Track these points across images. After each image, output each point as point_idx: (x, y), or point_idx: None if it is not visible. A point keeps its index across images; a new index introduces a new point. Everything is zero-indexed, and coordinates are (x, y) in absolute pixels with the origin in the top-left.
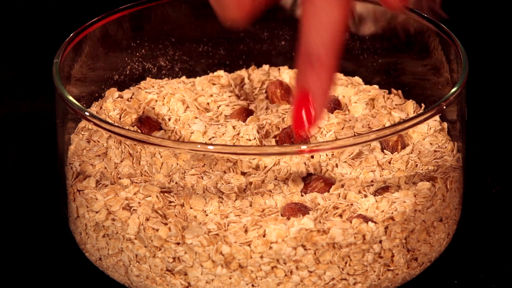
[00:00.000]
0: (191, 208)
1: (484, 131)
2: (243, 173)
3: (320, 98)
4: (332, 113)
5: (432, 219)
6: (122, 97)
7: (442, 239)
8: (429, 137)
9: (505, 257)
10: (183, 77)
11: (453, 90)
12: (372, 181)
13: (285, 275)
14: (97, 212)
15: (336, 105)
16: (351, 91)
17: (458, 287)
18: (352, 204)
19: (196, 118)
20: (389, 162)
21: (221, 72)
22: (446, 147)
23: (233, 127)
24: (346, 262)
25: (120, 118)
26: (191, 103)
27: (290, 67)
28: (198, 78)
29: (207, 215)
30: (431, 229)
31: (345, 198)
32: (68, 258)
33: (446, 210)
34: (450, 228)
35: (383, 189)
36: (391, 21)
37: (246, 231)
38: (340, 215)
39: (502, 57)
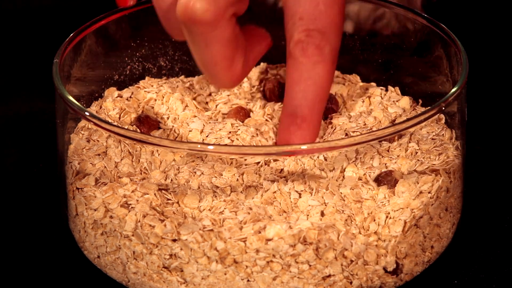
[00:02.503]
0: (186, 207)
1: (484, 131)
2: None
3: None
4: (329, 111)
5: (438, 211)
6: (121, 97)
7: (449, 230)
8: (426, 127)
9: (505, 257)
10: (182, 76)
11: (453, 90)
12: (371, 167)
13: (282, 267)
14: (95, 210)
15: (332, 104)
16: (348, 89)
17: (458, 287)
18: (361, 205)
19: (194, 116)
20: (387, 150)
21: None
22: (444, 134)
23: (232, 125)
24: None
25: (119, 118)
26: (190, 102)
27: None
28: (196, 77)
29: (201, 211)
30: (439, 220)
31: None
32: (68, 257)
33: (450, 199)
34: (454, 217)
35: (386, 174)
36: (377, 21)
37: (241, 228)
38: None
39: (502, 57)
